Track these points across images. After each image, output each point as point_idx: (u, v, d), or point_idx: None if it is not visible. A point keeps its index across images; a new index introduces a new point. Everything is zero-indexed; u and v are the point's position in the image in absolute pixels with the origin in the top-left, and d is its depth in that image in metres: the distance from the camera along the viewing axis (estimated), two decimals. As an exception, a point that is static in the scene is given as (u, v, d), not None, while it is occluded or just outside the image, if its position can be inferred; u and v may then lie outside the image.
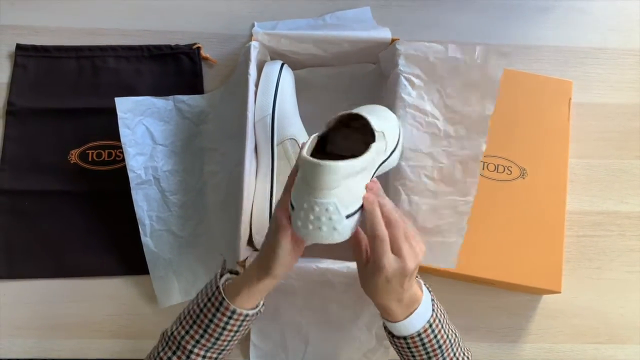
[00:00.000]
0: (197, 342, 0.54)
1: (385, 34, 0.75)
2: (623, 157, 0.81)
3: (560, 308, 0.74)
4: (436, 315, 0.55)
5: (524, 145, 0.73)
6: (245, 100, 0.70)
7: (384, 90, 0.77)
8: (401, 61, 0.71)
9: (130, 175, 0.74)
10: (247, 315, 0.54)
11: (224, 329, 0.54)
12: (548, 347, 0.74)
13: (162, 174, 0.76)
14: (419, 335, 0.54)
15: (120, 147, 0.76)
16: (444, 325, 0.56)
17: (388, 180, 0.70)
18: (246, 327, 0.56)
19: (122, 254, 0.74)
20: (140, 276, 0.73)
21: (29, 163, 0.77)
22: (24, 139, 0.78)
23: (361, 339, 0.70)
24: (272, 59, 0.78)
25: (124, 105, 0.76)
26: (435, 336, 0.55)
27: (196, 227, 0.75)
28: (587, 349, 0.73)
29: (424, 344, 0.55)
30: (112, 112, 0.76)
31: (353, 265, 0.65)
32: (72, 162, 0.77)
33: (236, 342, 0.57)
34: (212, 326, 0.54)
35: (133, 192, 0.73)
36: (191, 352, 0.54)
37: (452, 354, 0.57)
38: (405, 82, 0.70)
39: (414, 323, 0.54)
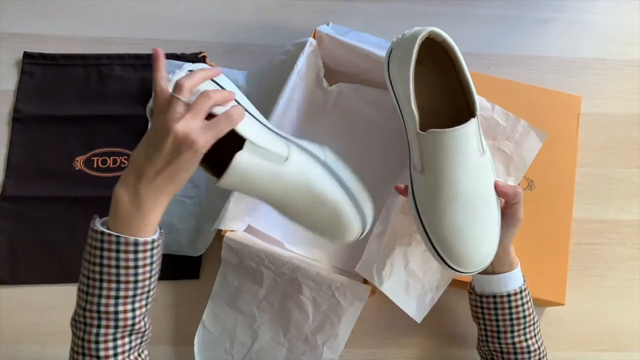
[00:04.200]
0: (117, 298, 0.49)
1: None
2: (623, 166, 0.82)
3: (561, 316, 0.75)
4: (526, 287, 0.58)
5: (532, 157, 0.74)
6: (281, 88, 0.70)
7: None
8: None
9: None
10: (152, 241, 0.49)
11: (136, 267, 0.49)
12: (550, 355, 0.73)
13: None
14: (509, 296, 0.57)
15: (125, 154, 0.76)
16: (531, 302, 0.59)
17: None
18: (158, 255, 0.51)
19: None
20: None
21: (34, 169, 0.77)
22: (30, 145, 0.79)
23: (309, 350, 0.68)
24: (317, 64, 0.77)
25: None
26: (523, 305, 0.57)
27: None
28: (589, 356, 0.74)
29: (510, 307, 0.57)
30: (118, 120, 0.77)
31: (323, 272, 0.65)
32: (77, 168, 0.78)
33: (156, 276, 0.52)
34: (123, 271, 0.48)
35: None
36: (117, 312, 0.49)
37: (533, 332, 0.58)
38: None
39: (509, 281, 0.57)
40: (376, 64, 0.73)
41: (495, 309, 0.57)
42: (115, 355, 0.49)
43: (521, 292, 0.57)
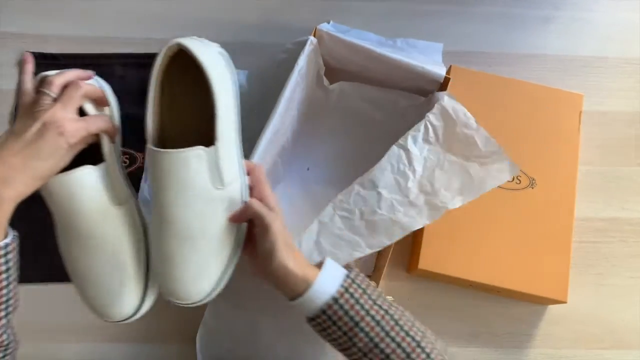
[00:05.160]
0: None
1: (439, 70, 0.72)
2: (623, 164, 0.82)
3: (563, 314, 0.75)
4: (346, 290, 0.47)
5: (534, 155, 0.74)
6: (282, 87, 0.69)
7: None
8: (435, 110, 0.66)
9: None
10: (6, 245, 0.45)
11: None
12: (551, 352, 0.74)
13: None
14: (325, 312, 0.47)
15: (127, 153, 0.76)
16: (362, 302, 0.47)
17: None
18: (14, 260, 0.48)
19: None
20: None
21: (35, 169, 0.78)
22: (31, 145, 0.79)
23: (311, 348, 0.67)
24: (317, 63, 0.77)
25: None
26: (347, 313, 0.47)
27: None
28: (590, 354, 0.74)
29: (334, 322, 0.47)
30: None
31: None
32: (78, 168, 0.78)
33: (15, 283, 0.48)
34: None
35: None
36: None
37: (382, 335, 0.47)
38: (422, 128, 0.65)
39: (314, 297, 0.47)
40: (377, 62, 0.73)
41: (324, 329, 0.48)
42: None
43: (337, 300, 0.47)
